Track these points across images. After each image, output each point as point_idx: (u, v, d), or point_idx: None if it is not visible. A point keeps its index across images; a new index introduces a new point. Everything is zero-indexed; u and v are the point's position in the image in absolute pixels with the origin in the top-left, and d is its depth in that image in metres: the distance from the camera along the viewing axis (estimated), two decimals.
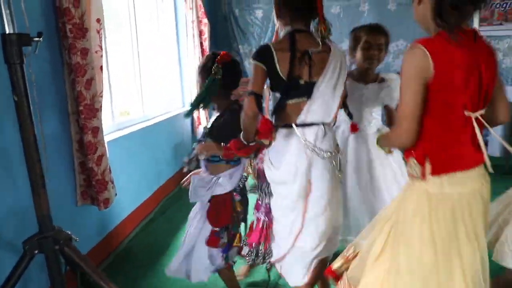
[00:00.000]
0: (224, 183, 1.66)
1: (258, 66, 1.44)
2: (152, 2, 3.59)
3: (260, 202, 1.67)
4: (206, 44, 4.08)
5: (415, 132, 1.12)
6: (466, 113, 1.12)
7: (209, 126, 1.70)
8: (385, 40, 1.94)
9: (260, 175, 1.65)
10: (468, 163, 1.16)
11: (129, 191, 2.68)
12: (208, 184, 1.67)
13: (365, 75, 2.03)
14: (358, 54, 1.96)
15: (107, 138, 2.23)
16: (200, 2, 3.92)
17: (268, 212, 1.61)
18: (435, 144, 1.15)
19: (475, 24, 4.50)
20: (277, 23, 1.59)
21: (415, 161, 1.18)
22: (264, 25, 4.70)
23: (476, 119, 1.12)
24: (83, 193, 2.10)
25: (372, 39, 1.92)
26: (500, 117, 1.24)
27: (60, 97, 1.93)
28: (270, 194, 1.61)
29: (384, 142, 1.41)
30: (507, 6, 4.49)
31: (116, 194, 2.21)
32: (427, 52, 1.07)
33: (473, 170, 1.17)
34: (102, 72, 2.04)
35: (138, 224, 2.84)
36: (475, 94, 1.12)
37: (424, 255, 1.14)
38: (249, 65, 4.79)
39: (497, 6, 4.49)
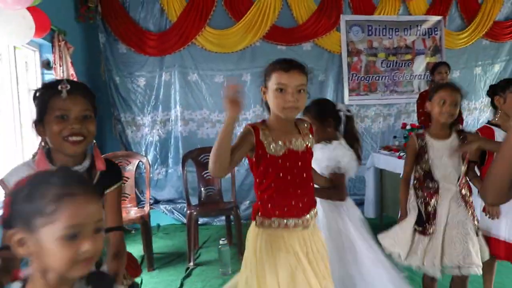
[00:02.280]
0: None
1: None
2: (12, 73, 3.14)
3: None
4: None
5: None
6: None
7: None
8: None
9: None
10: None
11: None
12: None
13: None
14: None
15: None
16: (72, 71, 3.62)
17: None
18: None
19: (345, 95, 4.97)
20: None
21: None
22: (147, 93, 4.54)
23: None
24: None
25: None
26: None
27: None
28: None
29: None
30: (370, 79, 5.08)
31: None
32: None
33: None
34: None
35: None
36: None
37: None
38: (131, 133, 4.51)
39: (362, 79, 5.05)
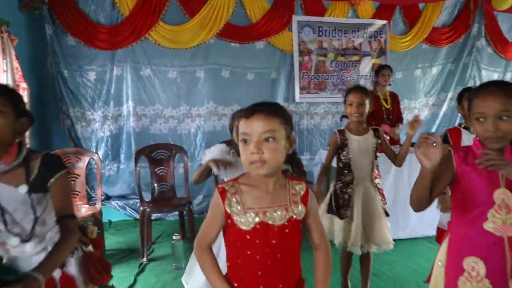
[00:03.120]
0: None
1: None
2: None
3: None
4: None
5: None
6: None
7: None
8: None
9: None
10: None
11: None
12: None
13: None
14: None
15: None
16: (17, 64, 3.47)
17: None
18: None
19: (296, 92, 5.16)
20: None
21: None
22: (98, 87, 4.45)
23: None
24: None
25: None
26: None
27: None
28: None
29: None
30: (320, 78, 5.30)
31: None
32: None
33: None
34: None
35: None
36: None
37: None
38: (81, 128, 4.40)
39: (312, 78, 5.26)
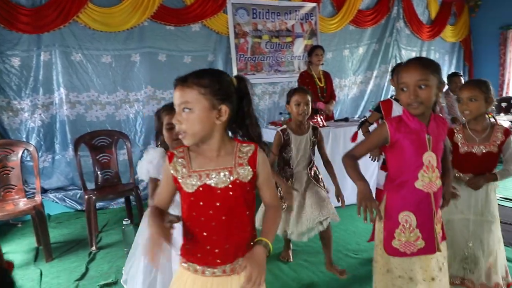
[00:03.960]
0: None
1: None
2: None
3: None
4: None
5: None
6: None
7: None
8: None
9: None
10: None
11: None
12: None
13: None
14: None
15: None
16: None
17: None
18: None
19: (234, 74, 5.24)
20: None
21: None
22: (24, 74, 4.15)
23: None
24: None
25: None
26: None
27: None
28: None
29: None
30: (256, 60, 5.43)
31: None
32: None
33: None
34: None
35: None
36: None
37: None
38: (7, 119, 4.09)
39: (249, 59, 5.37)
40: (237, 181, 1.19)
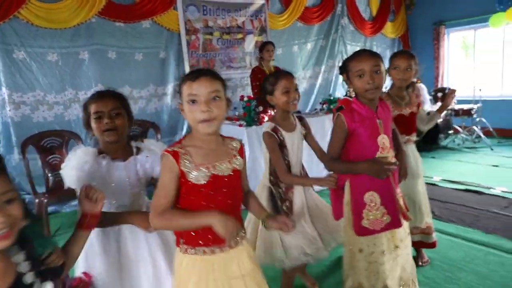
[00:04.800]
0: None
1: None
2: None
3: None
4: None
5: None
6: None
7: None
8: None
9: None
10: None
11: None
12: None
13: None
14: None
15: None
16: None
17: None
18: None
19: (186, 71, 5.24)
20: None
21: None
22: None
23: None
24: None
25: None
26: None
27: None
28: None
29: None
30: (208, 56, 5.46)
31: None
32: None
33: None
34: None
35: None
36: None
37: None
38: None
39: (201, 56, 5.39)
40: (236, 169, 1.34)
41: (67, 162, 1.58)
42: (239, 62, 5.72)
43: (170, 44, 5.12)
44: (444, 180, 4.46)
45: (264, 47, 4.63)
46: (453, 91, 2.56)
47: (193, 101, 1.25)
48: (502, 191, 3.94)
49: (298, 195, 2.09)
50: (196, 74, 1.26)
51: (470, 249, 2.78)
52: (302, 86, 6.52)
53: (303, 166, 2.16)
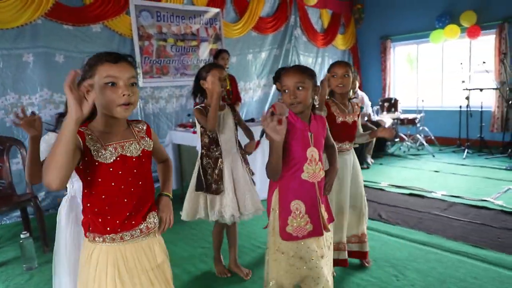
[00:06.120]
0: None
1: None
2: None
3: None
4: None
5: None
6: None
7: None
8: None
9: None
10: None
11: None
12: None
13: None
14: None
15: None
16: None
17: None
18: None
19: (140, 77, 5.13)
20: None
21: None
22: None
23: None
24: None
25: None
26: None
27: None
28: None
29: None
30: (162, 63, 5.39)
31: None
32: None
33: None
34: None
35: None
36: None
37: None
38: None
39: (154, 62, 5.31)
40: (145, 150, 1.37)
41: (43, 140, 1.77)
42: (194, 69, 5.69)
43: (122, 50, 4.99)
44: (391, 185, 4.69)
45: (219, 55, 4.65)
46: (392, 129, 2.62)
47: (112, 84, 1.23)
48: (442, 195, 4.21)
49: (227, 165, 2.47)
50: (115, 56, 1.25)
51: (414, 249, 2.94)
52: (257, 94, 6.60)
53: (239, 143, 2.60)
